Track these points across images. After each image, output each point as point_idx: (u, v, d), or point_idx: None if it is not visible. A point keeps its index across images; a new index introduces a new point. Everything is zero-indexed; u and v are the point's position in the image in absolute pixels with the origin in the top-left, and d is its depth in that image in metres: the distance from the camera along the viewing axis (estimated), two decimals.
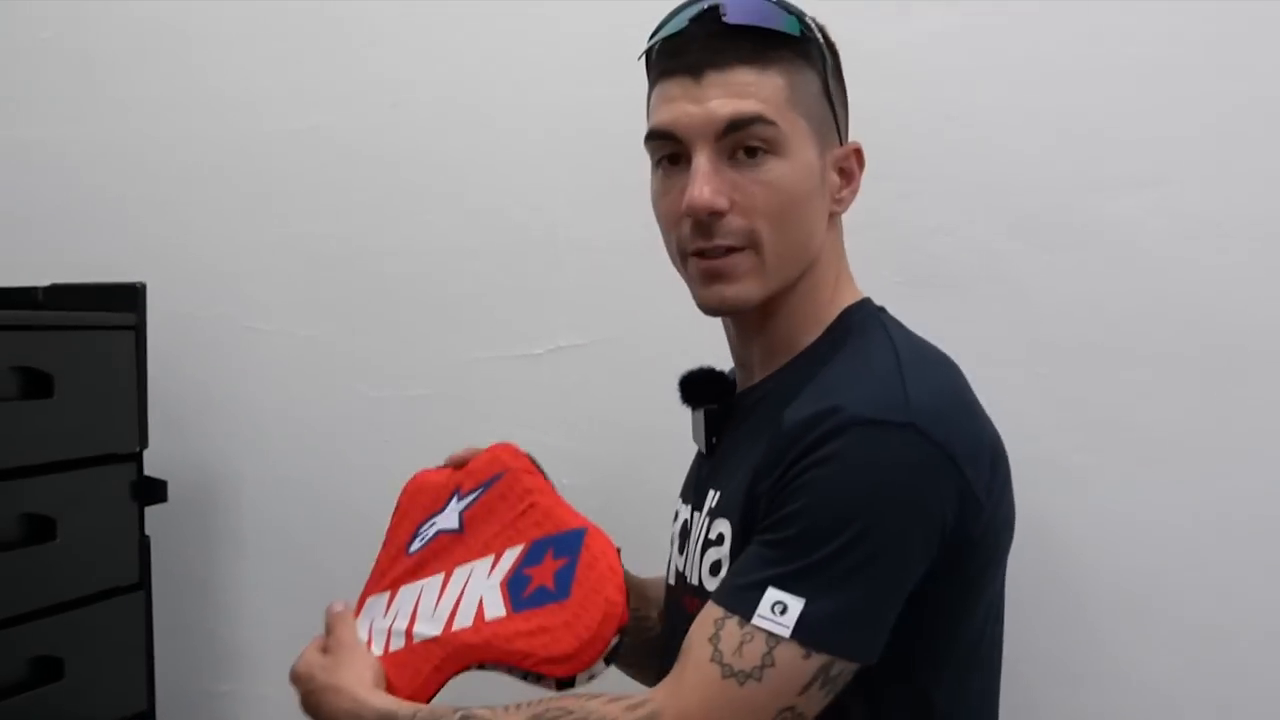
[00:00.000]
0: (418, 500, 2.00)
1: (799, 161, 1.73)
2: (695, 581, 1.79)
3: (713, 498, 1.81)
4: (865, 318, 1.82)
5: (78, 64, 2.84)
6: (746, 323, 1.83)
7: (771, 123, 1.71)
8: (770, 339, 1.82)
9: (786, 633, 1.57)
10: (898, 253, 2.40)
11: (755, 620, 1.58)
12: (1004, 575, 1.84)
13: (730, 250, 1.73)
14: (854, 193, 1.83)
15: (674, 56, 1.74)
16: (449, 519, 1.94)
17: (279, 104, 2.72)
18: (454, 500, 1.94)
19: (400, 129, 2.63)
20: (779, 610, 1.57)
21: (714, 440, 1.87)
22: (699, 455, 1.96)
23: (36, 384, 2.19)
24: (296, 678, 1.89)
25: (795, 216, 1.74)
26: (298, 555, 2.75)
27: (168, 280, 2.58)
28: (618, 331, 2.50)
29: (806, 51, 1.75)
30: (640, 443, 2.52)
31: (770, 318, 1.80)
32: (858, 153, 1.83)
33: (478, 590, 1.83)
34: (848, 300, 1.84)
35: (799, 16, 1.76)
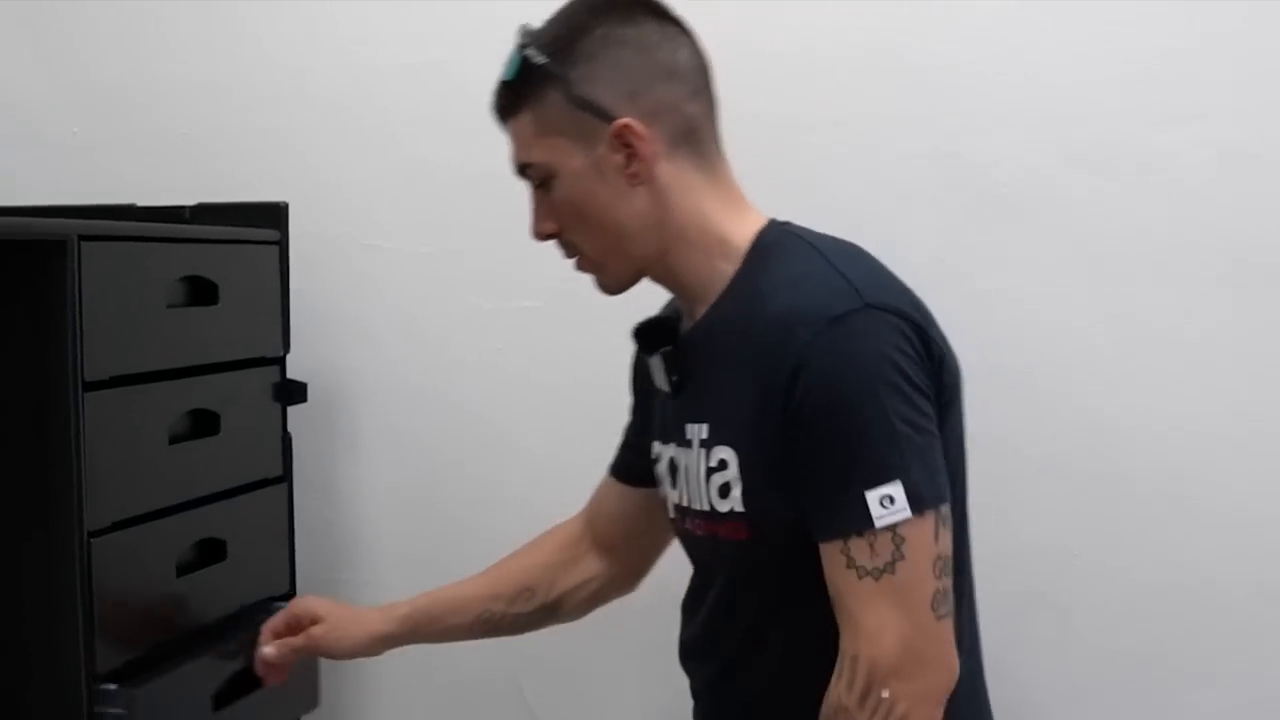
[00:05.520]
0: None
1: (568, 174, 2.03)
2: (703, 507, 2.04)
3: (699, 430, 2.04)
4: (778, 236, 2.06)
5: (205, 3, 3.09)
6: (661, 284, 2.14)
7: (531, 164, 2.06)
8: (688, 289, 2.09)
9: (908, 514, 1.83)
10: (964, 179, 2.72)
11: (878, 525, 1.83)
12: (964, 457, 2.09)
13: (574, 258, 2.13)
14: (648, 156, 2.01)
15: None
16: None
17: (399, 40, 2.98)
18: None
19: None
20: (889, 503, 1.83)
21: (675, 378, 2.10)
22: (661, 397, 2.17)
23: (202, 292, 2.43)
24: None
25: (590, 218, 2.05)
26: (413, 457, 3.05)
27: (296, 202, 2.78)
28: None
29: (536, 81, 2.02)
30: None
31: (671, 278, 2.11)
32: (625, 127, 1.98)
33: None
34: (753, 227, 2.07)
35: (521, 54, 2.03)
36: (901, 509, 1.84)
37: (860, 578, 1.85)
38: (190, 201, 2.74)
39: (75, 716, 2.12)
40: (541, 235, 2.11)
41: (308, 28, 3.06)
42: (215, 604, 2.49)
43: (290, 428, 2.74)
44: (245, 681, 2.45)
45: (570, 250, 2.12)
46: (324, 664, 2.75)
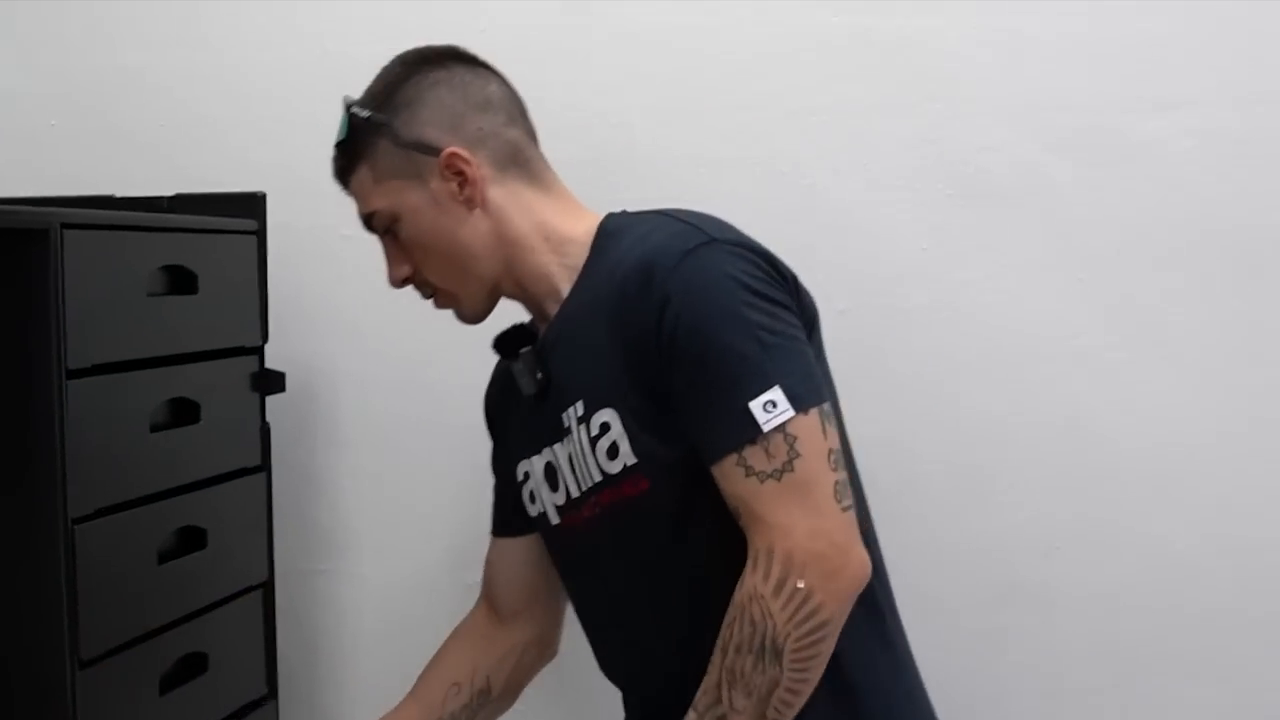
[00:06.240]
0: None
1: (409, 212, 2.22)
2: (594, 479, 2.14)
3: (575, 410, 2.15)
4: (618, 219, 2.23)
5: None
6: (515, 299, 2.30)
7: (374, 213, 2.25)
8: (540, 292, 2.25)
9: (792, 413, 1.95)
10: (948, 168, 2.75)
11: (765, 429, 1.94)
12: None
13: (431, 296, 2.30)
14: (477, 179, 2.20)
15: None
16: None
17: (377, 31, 2.90)
18: None
19: (488, 53, 2.84)
20: (771, 408, 1.94)
21: (541, 375, 2.22)
22: (524, 410, 2.29)
23: (181, 281, 2.44)
24: None
25: (436, 249, 2.23)
26: (391, 447, 3.05)
27: (274, 192, 2.79)
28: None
29: (365, 135, 2.23)
30: None
31: (522, 289, 2.27)
32: (452, 155, 2.18)
33: None
34: (594, 222, 2.23)
35: (349, 114, 2.24)
36: (785, 410, 1.95)
37: (762, 482, 1.95)
38: (169, 192, 2.75)
39: (58, 701, 2.13)
40: (397, 280, 2.30)
41: (286, 19, 3.07)
42: (195, 592, 2.50)
43: (269, 417, 2.75)
44: (192, 665, 2.48)
45: (426, 289, 2.30)
46: (284, 652, 2.80)
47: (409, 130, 2.20)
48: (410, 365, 3.03)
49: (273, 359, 2.76)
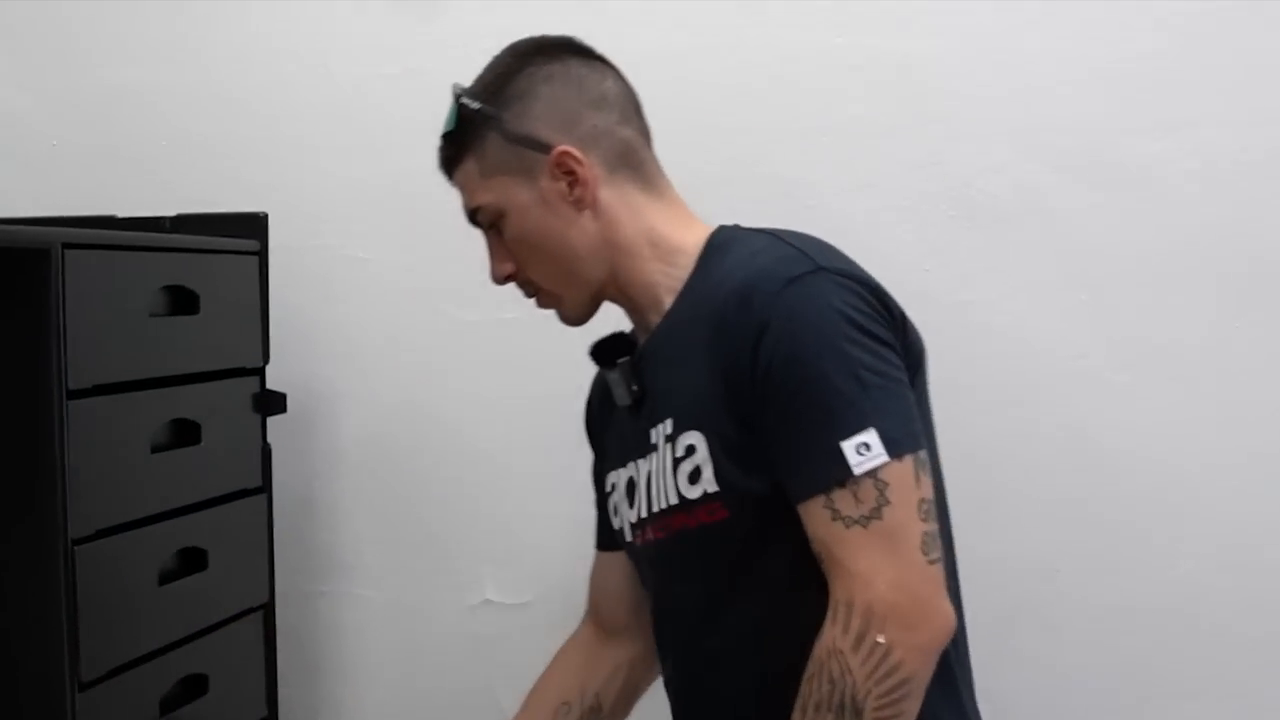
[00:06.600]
0: None
1: (516, 210, 2.14)
2: (670, 501, 2.07)
3: (664, 428, 2.08)
4: (729, 233, 2.15)
5: (184, 14, 3.11)
6: (617, 303, 2.21)
7: (480, 207, 2.17)
8: (643, 302, 2.16)
9: (885, 459, 1.86)
10: (951, 189, 2.75)
11: (856, 472, 1.86)
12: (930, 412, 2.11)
13: (534, 295, 2.22)
14: (588, 180, 2.11)
15: None
16: None
17: (379, 51, 3.01)
18: None
19: None
20: (865, 450, 1.86)
21: (636, 388, 2.15)
22: (619, 419, 2.23)
23: (183, 302, 2.45)
24: None
25: (543, 250, 2.15)
26: (392, 468, 3.06)
27: (276, 212, 2.80)
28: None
29: (474, 127, 2.14)
30: None
31: (626, 296, 2.18)
32: (564, 154, 2.10)
33: None
34: (703, 233, 2.15)
35: (458, 103, 2.15)
36: (879, 455, 1.87)
37: (848, 527, 1.87)
38: (170, 212, 2.75)
39: None
40: (500, 278, 2.22)
41: (288, 38, 3.08)
42: (195, 613, 2.50)
43: (270, 438, 2.76)
44: (192, 687, 2.48)
45: (529, 288, 2.22)
46: (284, 673, 2.81)
47: (520, 125, 2.12)
48: (411, 386, 3.04)
49: (274, 380, 2.76)
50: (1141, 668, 2.75)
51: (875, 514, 1.87)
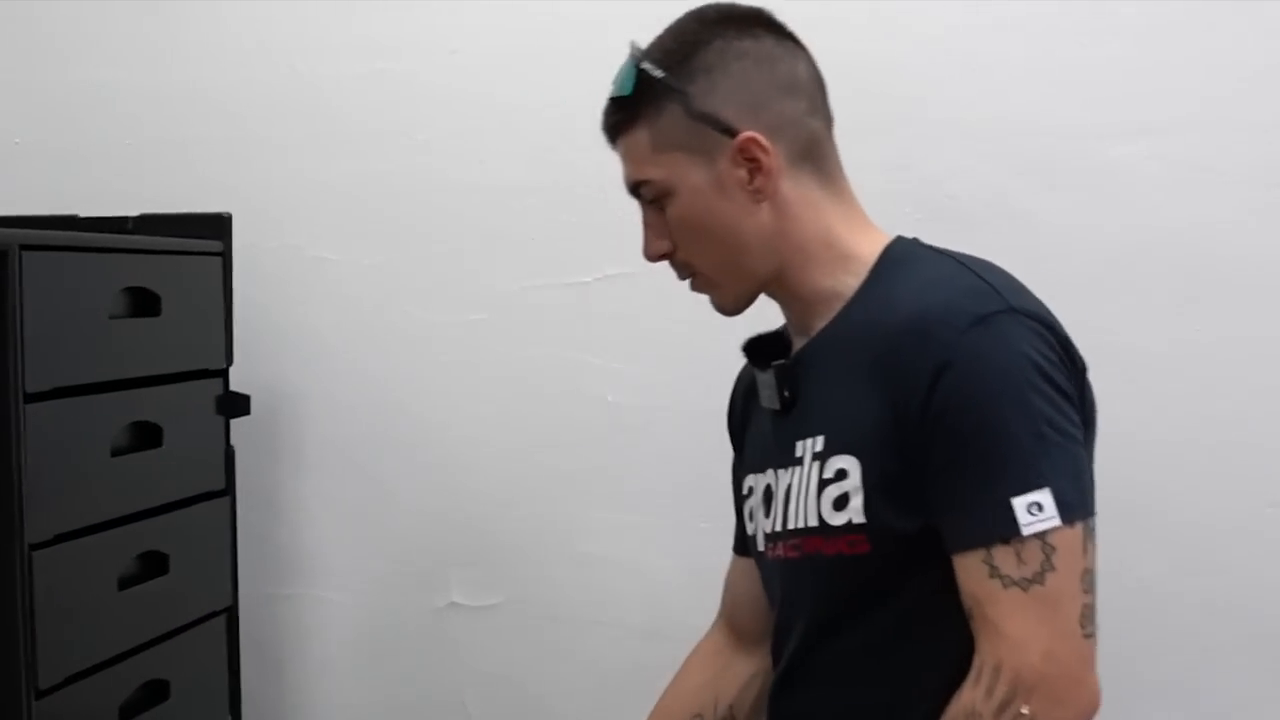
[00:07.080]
0: None
1: (687, 191, 1.95)
2: (808, 523, 1.93)
3: (813, 444, 1.94)
4: (908, 248, 2.01)
5: (150, 13, 3.10)
6: (776, 300, 2.05)
7: (646, 181, 1.97)
8: (807, 305, 2.00)
9: (1057, 522, 1.75)
10: (916, 191, 2.74)
11: (1025, 532, 1.74)
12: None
13: (690, 277, 2.04)
14: (772, 171, 1.94)
15: None
16: None
17: (344, 51, 3.00)
18: None
19: (458, 74, 2.93)
20: (1036, 510, 1.75)
21: (788, 394, 2.00)
22: (766, 419, 2.07)
23: (144, 303, 2.44)
24: None
25: (710, 235, 1.97)
26: (357, 470, 3.05)
27: (242, 212, 2.80)
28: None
29: (653, 95, 1.94)
30: (679, 364, 2.84)
31: (789, 294, 2.02)
32: (750, 140, 1.93)
33: None
34: (880, 241, 2.00)
35: (638, 68, 1.95)
36: (1051, 517, 1.76)
37: (1006, 587, 1.77)
38: (134, 212, 2.74)
39: None
40: (655, 255, 2.03)
41: (253, 38, 3.07)
42: (157, 618, 2.49)
43: (233, 440, 2.75)
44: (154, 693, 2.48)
45: (684, 270, 2.04)
46: (247, 678, 2.80)
47: (705, 102, 1.93)
48: (376, 388, 3.04)
49: (237, 382, 2.76)
50: (1108, 667, 2.71)
51: (1038, 579, 1.77)
